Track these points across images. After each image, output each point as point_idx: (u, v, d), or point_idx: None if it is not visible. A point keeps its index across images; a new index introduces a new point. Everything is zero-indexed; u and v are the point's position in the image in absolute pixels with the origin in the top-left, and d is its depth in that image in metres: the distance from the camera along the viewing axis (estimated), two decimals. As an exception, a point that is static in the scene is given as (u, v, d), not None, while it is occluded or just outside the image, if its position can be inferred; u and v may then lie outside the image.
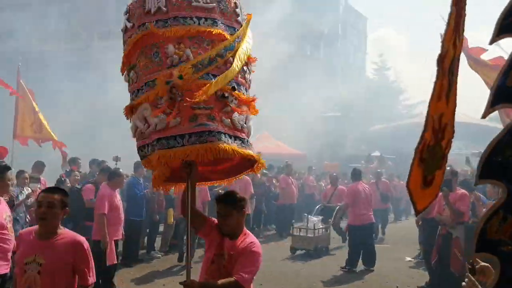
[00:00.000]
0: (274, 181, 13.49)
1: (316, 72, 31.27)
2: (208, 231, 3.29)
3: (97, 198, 6.50)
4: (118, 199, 6.62)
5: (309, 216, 10.15)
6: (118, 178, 6.67)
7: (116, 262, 6.28)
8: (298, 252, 9.81)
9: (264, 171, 13.11)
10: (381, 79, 41.26)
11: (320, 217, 10.09)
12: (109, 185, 6.59)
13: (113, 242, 6.22)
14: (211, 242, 3.26)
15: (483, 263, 2.40)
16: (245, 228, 3.26)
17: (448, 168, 6.25)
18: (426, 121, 1.95)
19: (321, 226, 9.76)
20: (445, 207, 5.96)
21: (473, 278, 2.24)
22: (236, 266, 3.00)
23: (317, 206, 11.75)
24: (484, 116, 1.74)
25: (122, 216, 6.72)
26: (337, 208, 10.18)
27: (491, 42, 1.78)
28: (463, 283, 2.25)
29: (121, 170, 7.05)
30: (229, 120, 3.03)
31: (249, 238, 3.17)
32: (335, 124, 28.72)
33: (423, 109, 33.72)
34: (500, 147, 1.70)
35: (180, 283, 2.92)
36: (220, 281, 2.96)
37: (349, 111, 31.66)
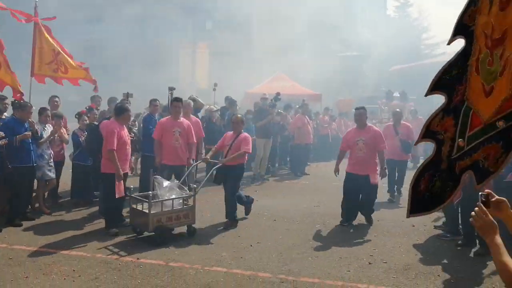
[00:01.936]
0: (289, 117, 13.35)
1: (335, 12, 30.05)
2: None
3: (105, 134, 6.48)
4: (126, 134, 6.65)
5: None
6: (125, 113, 6.61)
7: (124, 195, 6.41)
8: (313, 192, 9.86)
9: (280, 110, 12.98)
10: (403, 17, 39.57)
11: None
12: (117, 120, 6.57)
13: (121, 177, 6.37)
14: None
15: (499, 197, 2.22)
16: None
17: None
18: (474, 33, 2.37)
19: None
20: None
21: (484, 208, 2.15)
22: None
23: None
24: (448, 43, 2.53)
25: (130, 151, 6.85)
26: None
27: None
28: (472, 213, 2.15)
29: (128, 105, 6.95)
30: None
31: None
32: (353, 64, 28.00)
33: (447, 48, 32.52)
34: (450, 67, 2.45)
35: None
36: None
37: (369, 51, 30.71)
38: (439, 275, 5.12)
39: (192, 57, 27.28)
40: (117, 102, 8.05)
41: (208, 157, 7.44)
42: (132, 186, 6.61)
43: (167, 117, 7.69)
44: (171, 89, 8.64)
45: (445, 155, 2.54)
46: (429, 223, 7.28)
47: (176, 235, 6.35)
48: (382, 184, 8.39)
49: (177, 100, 7.53)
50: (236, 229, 6.82)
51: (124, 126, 6.74)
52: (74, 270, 5.00)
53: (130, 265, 5.21)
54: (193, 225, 6.46)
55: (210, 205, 8.30)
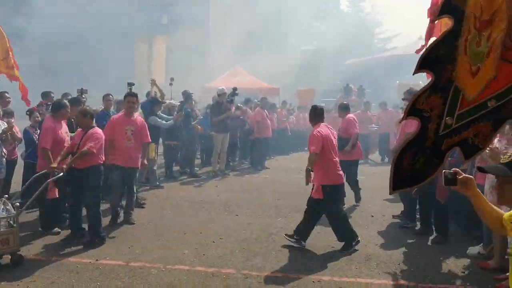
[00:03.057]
0: (249, 111, 13.32)
1: (291, 6, 30.30)
2: None
3: (40, 132, 6.16)
4: (63, 131, 6.27)
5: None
6: (62, 109, 6.23)
7: (56, 196, 6.06)
8: (274, 185, 9.88)
9: (239, 104, 12.92)
10: (356, 12, 40.42)
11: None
12: (53, 117, 6.21)
13: None
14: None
15: (466, 175, 2.27)
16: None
17: None
18: (464, 15, 2.45)
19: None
20: None
21: (459, 170, 2.27)
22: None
23: None
24: (433, 20, 3.34)
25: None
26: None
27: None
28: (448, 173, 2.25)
29: (66, 102, 6.61)
30: None
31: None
32: (310, 58, 28.35)
33: (398, 43, 33.58)
34: (437, 46, 2.54)
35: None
36: None
37: (324, 45, 31.17)
38: (399, 264, 5.24)
39: (149, 51, 26.68)
40: (70, 97, 7.72)
41: (55, 165, 5.77)
42: None
43: (119, 114, 7.20)
44: (130, 84, 8.29)
45: (432, 132, 2.64)
46: (388, 214, 7.47)
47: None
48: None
49: (132, 95, 7.04)
50: (198, 225, 6.71)
51: (63, 122, 6.36)
52: (28, 275, 4.74)
53: (88, 267, 5.00)
54: (18, 253, 5.05)
55: (171, 202, 8.14)
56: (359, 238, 5.77)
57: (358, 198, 8.24)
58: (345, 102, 9.26)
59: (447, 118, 2.58)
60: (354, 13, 40.44)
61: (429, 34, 6.63)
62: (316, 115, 5.99)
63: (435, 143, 2.64)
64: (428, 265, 5.19)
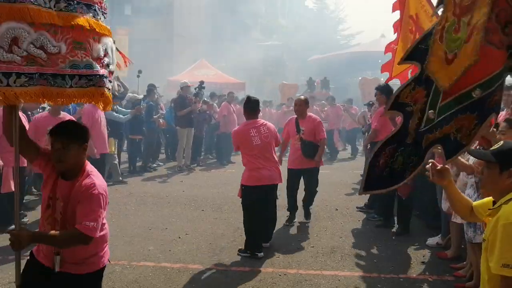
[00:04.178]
0: (215, 106, 13.26)
1: (256, 1, 30.27)
2: (43, 164, 2.73)
3: None
4: None
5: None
6: None
7: (13, 190, 5.71)
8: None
9: (206, 99, 12.82)
10: (321, 8, 40.88)
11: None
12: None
13: (10, 169, 5.72)
14: (47, 179, 2.72)
15: (442, 166, 2.38)
16: (88, 166, 2.73)
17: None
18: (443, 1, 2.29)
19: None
20: None
21: (435, 163, 2.35)
22: (77, 214, 2.54)
23: None
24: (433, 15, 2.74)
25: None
26: None
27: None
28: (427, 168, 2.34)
29: None
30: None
31: (89, 178, 2.62)
32: (274, 53, 28.45)
33: (361, 40, 34.25)
34: (425, 38, 2.39)
35: (9, 231, 2.49)
36: (60, 232, 2.53)
37: (288, 41, 31.36)
38: (362, 256, 5.37)
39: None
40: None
41: None
42: None
43: (44, 113, 6.63)
44: None
45: (413, 129, 2.40)
46: (351, 207, 7.62)
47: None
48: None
49: None
50: (163, 221, 6.63)
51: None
52: (-17, 275, 4.55)
53: (48, 266, 4.84)
54: None
55: (135, 197, 7.99)
56: (260, 255, 5.23)
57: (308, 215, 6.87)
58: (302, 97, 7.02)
59: (429, 111, 2.32)
60: (318, 10, 40.90)
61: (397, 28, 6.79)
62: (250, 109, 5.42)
63: (416, 140, 2.38)
64: (390, 256, 5.34)
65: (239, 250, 5.38)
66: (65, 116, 6.20)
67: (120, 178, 9.29)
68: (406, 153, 2.41)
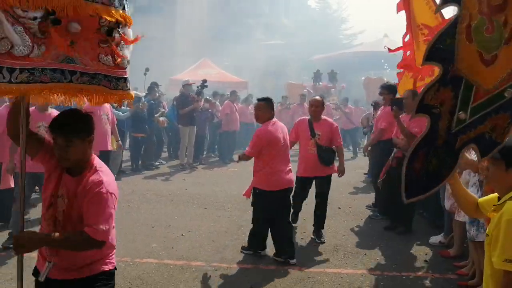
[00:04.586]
0: (218, 104, 13.28)
1: (260, 1, 30.28)
2: (47, 158, 2.50)
3: None
4: None
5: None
6: None
7: (13, 186, 5.67)
8: (243, 178, 9.86)
9: (208, 97, 12.84)
10: (323, 8, 40.86)
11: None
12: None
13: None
14: (49, 176, 2.50)
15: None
16: (96, 160, 2.51)
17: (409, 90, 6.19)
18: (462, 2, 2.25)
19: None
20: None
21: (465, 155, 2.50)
22: (85, 214, 2.33)
23: None
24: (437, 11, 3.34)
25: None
26: None
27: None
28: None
29: None
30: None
31: (97, 175, 2.41)
32: (277, 53, 28.44)
33: (364, 39, 34.19)
34: (443, 37, 2.28)
35: (13, 236, 2.32)
36: (65, 235, 2.29)
37: (291, 40, 31.35)
38: (365, 254, 5.37)
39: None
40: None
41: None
42: None
43: (32, 107, 6.66)
44: None
45: (443, 130, 2.38)
46: (354, 205, 7.62)
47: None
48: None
49: None
50: (166, 218, 6.65)
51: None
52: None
53: (52, 262, 4.86)
54: None
55: (138, 195, 8.01)
56: (263, 253, 5.22)
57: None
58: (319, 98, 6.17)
59: (459, 113, 2.33)
60: (321, 10, 40.86)
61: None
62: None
63: (447, 141, 2.38)
64: (393, 254, 5.35)
65: (242, 248, 5.37)
66: (53, 112, 5.72)
67: (115, 175, 9.25)
68: (439, 155, 2.40)
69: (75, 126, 2.38)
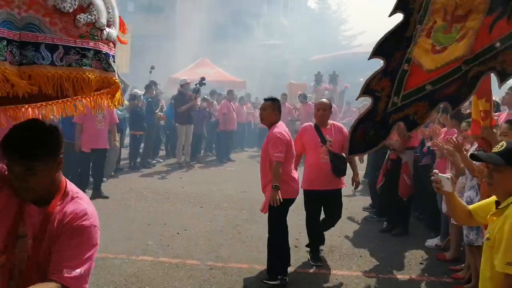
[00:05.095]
0: (215, 104, 13.27)
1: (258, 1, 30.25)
2: None
3: None
4: None
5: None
6: None
7: None
8: (239, 178, 9.88)
9: (206, 96, 12.83)
10: (323, 8, 40.88)
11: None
12: None
13: None
14: (4, 207, 1.77)
15: (444, 175, 2.42)
16: (69, 185, 1.87)
17: None
18: (428, 7, 3.04)
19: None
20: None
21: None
22: (55, 256, 1.69)
23: None
24: (390, 15, 3.22)
25: None
26: None
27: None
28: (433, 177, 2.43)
29: None
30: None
31: (76, 204, 1.80)
32: (276, 53, 28.42)
33: (363, 41, 34.22)
34: (390, 36, 3.15)
35: None
36: None
37: (290, 41, 31.33)
38: (361, 256, 5.37)
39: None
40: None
41: None
42: None
43: None
44: None
45: (381, 110, 3.22)
46: (350, 207, 7.61)
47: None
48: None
49: None
50: (162, 216, 6.63)
51: None
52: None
53: (47, 258, 4.84)
54: None
55: (135, 193, 8.00)
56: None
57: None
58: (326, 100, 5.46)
59: (394, 97, 3.15)
60: (320, 10, 40.87)
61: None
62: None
63: (383, 118, 3.21)
64: (388, 256, 5.35)
65: (265, 279, 4.52)
66: None
67: (112, 173, 9.21)
68: (376, 128, 3.27)
69: (38, 147, 1.69)
